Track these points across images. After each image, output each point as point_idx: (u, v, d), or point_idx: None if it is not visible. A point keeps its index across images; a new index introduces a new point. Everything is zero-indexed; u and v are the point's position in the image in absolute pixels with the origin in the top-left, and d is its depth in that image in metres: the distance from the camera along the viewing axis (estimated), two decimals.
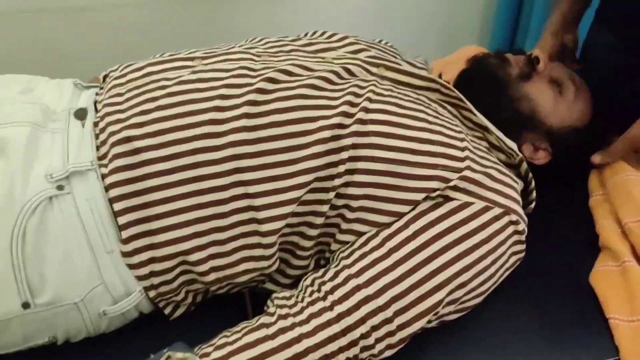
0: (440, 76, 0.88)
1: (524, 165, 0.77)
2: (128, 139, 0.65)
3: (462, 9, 1.60)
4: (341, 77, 0.73)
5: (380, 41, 0.90)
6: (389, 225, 0.67)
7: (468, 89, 0.82)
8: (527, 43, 1.54)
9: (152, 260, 0.65)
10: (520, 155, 0.76)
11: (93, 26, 1.37)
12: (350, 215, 0.68)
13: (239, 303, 0.75)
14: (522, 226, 0.70)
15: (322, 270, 0.68)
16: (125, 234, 0.64)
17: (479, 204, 0.67)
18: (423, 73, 0.78)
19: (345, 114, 0.67)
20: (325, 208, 0.67)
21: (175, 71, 0.73)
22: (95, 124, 0.69)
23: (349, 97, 0.69)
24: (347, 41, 0.83)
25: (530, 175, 0.77)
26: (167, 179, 0.64)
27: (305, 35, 0.88)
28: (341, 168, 0.66)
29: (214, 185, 0.65)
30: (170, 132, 0.65)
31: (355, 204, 0.67)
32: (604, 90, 0.86)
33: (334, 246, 0.70)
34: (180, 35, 1.41)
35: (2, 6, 1.28)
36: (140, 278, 0.66)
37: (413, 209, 0.67)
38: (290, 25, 1.46)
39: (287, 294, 0.67)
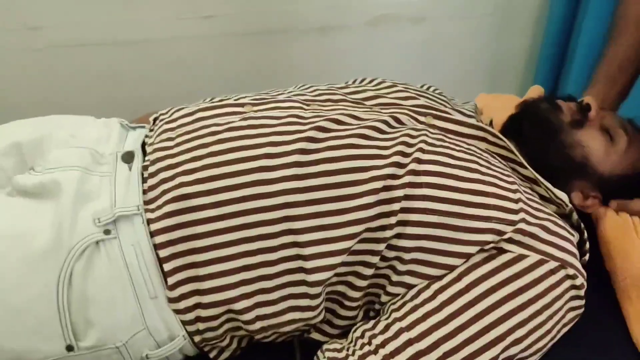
0: (491, 122, 0.87)
1: (575, 216, 0.75)
2: (180, 185, 0.66)
3: (508, 46, 1.60)
4: (391, 126, 0.73)
5: (429, 88, 0.90)
6: (440, 277, 0.66)
7: (517, 133, 0.81)
8: (569, 82, 1.53)
9: (198, 305, 0.65)
10: (571, 206, 0.74)
11: (147, 59, 1.40)
12: (401, 267, 0.67)
13: (287, 348, 0.74)
14: (579, 280, 0.68)
15: (372, 322, 0.67)
16: (172, 280, 0.64)
17: (533, 257, 0.66)
18: (471, 121, 0.78)
19: (398, 165, 0.67)
20: (375, 259, 0.66)
21: (226, 117, 0.73)
22: (145, 167, 0.70)
23: (401, 147, 0.69)
24: (395, 89, 0.83)
25: (582, 225, 0.75)
26: (215, 226, 0.64)
27: (354, 82, 0.88)
28: (393, 219, 0.65)
29: (263, 232, 0.65)
30: (221, 179, 0.66)
31: (407, 256, 0.66)
32: None
33: (383, 298, 0.69)
34: (234, 68, 1.45)
35: (60, 40, 1.33)
36: (186, 323, 0.66)
37: (466, 262, 0.66)
38: (338, 61, 1.50)
39: (337, 345, 0.66)
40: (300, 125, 0.70)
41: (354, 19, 1.47)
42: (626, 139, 0.80)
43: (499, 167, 0.72)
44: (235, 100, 0.78)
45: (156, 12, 1.34)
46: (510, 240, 0.66)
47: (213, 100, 0.80)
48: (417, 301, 0.65)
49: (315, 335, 0.72)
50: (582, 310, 0.70)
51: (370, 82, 0.86)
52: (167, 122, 0.76)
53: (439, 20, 1.48)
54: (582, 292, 0.68)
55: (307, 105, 0.76)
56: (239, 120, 0.72)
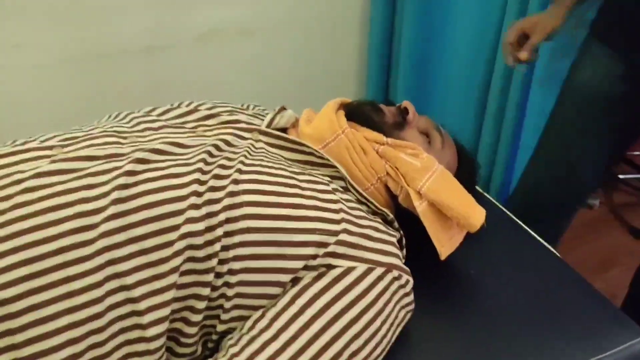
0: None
1: (391, 216, 0.79)
2: None
3: (338, 51, 1.66)
4: (220, 150, 0.72)
5: (248, 106, 0.90)
6: (274, 303, 0.66)
7: None
8: (398, 82, 1.64)
9: None
10: (384, 210, 0.78)
11: None
12: (230, 292, 0.66)
13: None
14: (404, 279, 0.71)
15: None
16: None
17: (361, 267, 0.68)
18: (293, 137, 0.79)
19: (215, 189, 0.66)
20: (206, 291, 0.64)
21: (31, 162, 0.67)
22: None
23: (218, 170, 0.68)
24: (218, 110, 0.82)
25: (397, 224, 0.80)
26: (30, 285, 0.58)
27: (175, 107, 0.84)
28: (217, 246, 0.64)
29: (87, 284, 0.60)
30: (29, 233, 0.60)
31: (234, 279, 0.65)
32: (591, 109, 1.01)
33: (220, 327, 0.67)
34: (59, 98, 1.35)
35: None
36: None
37: (297, 284, 0.66)
38: (170, 80, 1.45)
39: None
40: (117, 162, 0.66)
41: (182, 36, 1.44)
42: (441, 139, 0.87)
43: (319, 180, 0.74)
44: (40, 142, 0.71)
45: None
46: (335, 255, 0.67)
47: (15, 144, 0.72)
48: (254, 332, 0.64)
49: None
50: (413, 306, 0.73)
51: (189, 105, 0.84)
52: None
53: (268, 32, 1.50)
54: (409, 289, 0.72)
55: (125, 138, 0.72)
56: (47, 165, 0.65)
